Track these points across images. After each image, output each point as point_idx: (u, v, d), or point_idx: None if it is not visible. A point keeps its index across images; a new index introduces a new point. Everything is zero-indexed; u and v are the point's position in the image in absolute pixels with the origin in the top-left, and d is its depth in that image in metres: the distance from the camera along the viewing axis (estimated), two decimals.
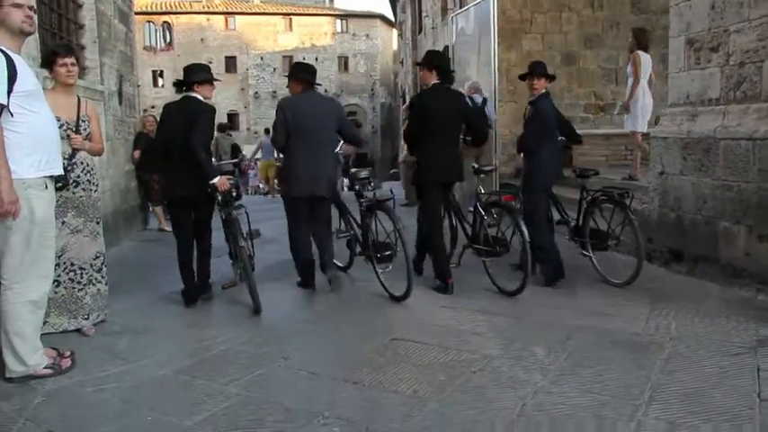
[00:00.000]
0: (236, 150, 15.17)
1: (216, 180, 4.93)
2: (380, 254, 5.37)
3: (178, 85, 5.27)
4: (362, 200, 5.65)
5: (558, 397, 3.23)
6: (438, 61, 5.64)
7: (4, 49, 3.33)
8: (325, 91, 44.18)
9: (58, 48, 4.51)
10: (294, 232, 5.64)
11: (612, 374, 3.49)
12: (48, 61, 4.35)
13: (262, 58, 44.47)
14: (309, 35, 44.91)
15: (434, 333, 4.32)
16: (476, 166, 6.06)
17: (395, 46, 43.22)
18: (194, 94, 5.13)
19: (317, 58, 44.93)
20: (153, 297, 5.53)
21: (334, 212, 6.10)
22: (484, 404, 3.17)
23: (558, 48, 12.18)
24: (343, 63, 45.61)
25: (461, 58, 10.70)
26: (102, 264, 4.65)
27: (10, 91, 3.31)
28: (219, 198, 5.05)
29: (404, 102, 24.90)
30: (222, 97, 44.26)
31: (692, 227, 5.52)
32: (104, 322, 4.64)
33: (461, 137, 6.06)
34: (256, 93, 43.34)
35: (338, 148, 5.84)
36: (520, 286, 5.12)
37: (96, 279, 4.58)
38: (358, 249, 5.92)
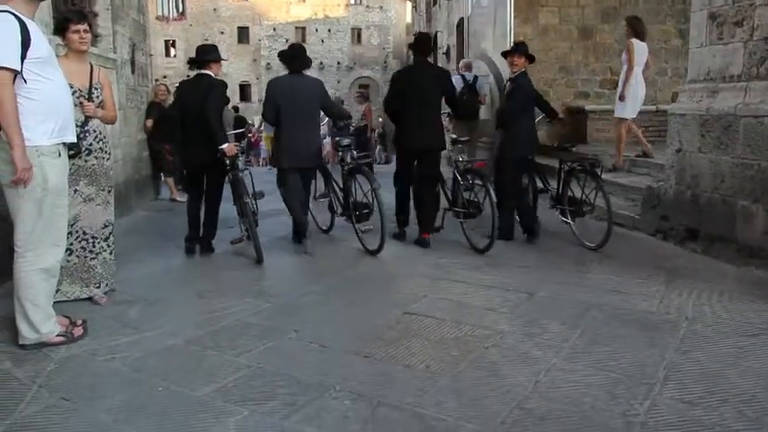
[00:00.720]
0: (239, 122, 15.33)
1: (225, 146, 5.50)
2: (359, 212, 5.96)
3: (192, 63, 5.88)
4: (344, 164, 6.21)
5: (571, 374, 3.21)
6: (419, 43, 6.36)
7: (17, 13, 3.29)
8: (338, 63, 44.07)
9: (72, 14, 4.47)
10: (287, 199, 6.17)
11: (627, 353, 3.46)
12: (60, 28, 4.30)
13: (274, 29, 44.17)
14: (323, 6, 44.52)
15: (447, 308, 4.29)
16: (454, 136, 6.74)
17: (408, 18, 42.87)
18: (207, 71, 5.76)
19: (329, 30, 44.69)
20: (164, 267, 5.53)
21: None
22: (497, 380, 3.16)
23: (574, 21, 12.00)
24: (356, 35, 45.28)
25: (476, 31, 10.58)
26: (110, 233, 4.64)
27: (23, 57, 3.28)
28: (228, 162, 5.60)
29: None
30: (234, 68, 44.11)
31: (709, 205, 5.45)
32: (114, 291, 4.65)
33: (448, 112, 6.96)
34: (268, 64, 43.03)
35: (323, 123, 6.49)
36: (488, 244, 5.70)
37: (102, 248, 4.57)
38: (339, 210, 6.45)
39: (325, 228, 6.86)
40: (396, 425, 2.75)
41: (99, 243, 4.53)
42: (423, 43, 6.39)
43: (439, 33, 18.39)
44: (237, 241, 5.94)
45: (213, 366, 3.37)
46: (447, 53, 16.38)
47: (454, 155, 6.46)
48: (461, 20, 13.44)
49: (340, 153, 6.34)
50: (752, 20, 5.08)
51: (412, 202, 6.42)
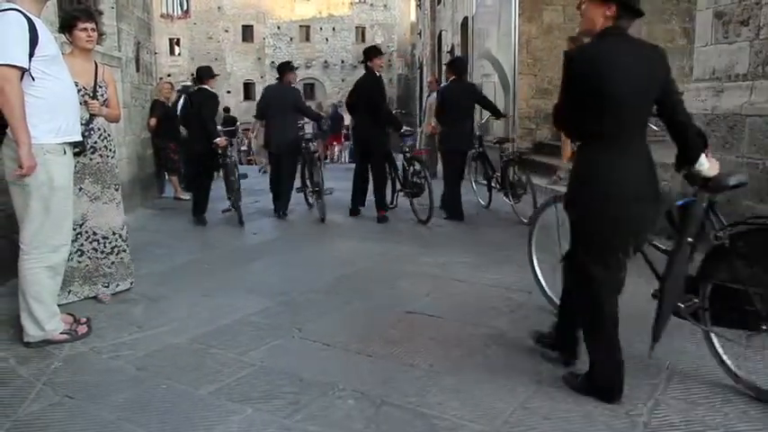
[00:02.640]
0: (229, 122, 16.45)
1: (217, 140, 7.42)
2: (314, 189, 8.02)
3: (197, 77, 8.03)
4: (306, 152, 8.14)
5: None
6: (364, 56, 7.94)
7: (25, 12, 3.30)
8: (342, 61, 44.06)
9: (79, 12, 4.48)
10: (272, 176, 8.35)
11: (630, 352, 3.44)
12: (67, 25, 4.30)
13: (279, 28, 44.19)
14: (327, 4, 44.51)
15: (449, 306, 4.29)
16: (401, 131, 8.11)
17: (413, 17, 42.79)
18: (205, 86, 7.76)
19: (334, 29, 44.70)
20: (168, 265, 5.55)
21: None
22: (500, 379, 3.15)
23: (579, 20, 11.94)
24: (361, 33, 45.26)
25: (481, 30, 10.58)
26: (127, 232, 4.67)
27: (31, 55, 3.29)
28: (220, 151, 7.49)
29: (421, 73, 24.75)
30: (238, 67, 44.15)
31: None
32: (129, 290, 4.66)
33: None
34: (273, 62, 42.99)
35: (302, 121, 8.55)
36: (428, 217, 7.23)
37: (122, 248, 4.61)
38: (310, 188, 8.37)
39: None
40: (399, 424, 2.75)
41: (112, 243, 4.55)
42: (365, 56, 7.89)
43: (443, 32, 18.36)
44: (226, 210, 7.81)
45: (217, 365, 3.38)
46: (451, 52, 16.35)
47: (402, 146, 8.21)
48: (466, 19, 13.43)
49: (303, 144, 8.14)
50: (758, 19, 5.06)
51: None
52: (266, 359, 3.45)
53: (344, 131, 21.26)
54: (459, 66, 8.22)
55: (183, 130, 9.05)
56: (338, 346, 3.64)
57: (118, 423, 2.77)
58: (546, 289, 4.20)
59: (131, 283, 4.69)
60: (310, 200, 8.57)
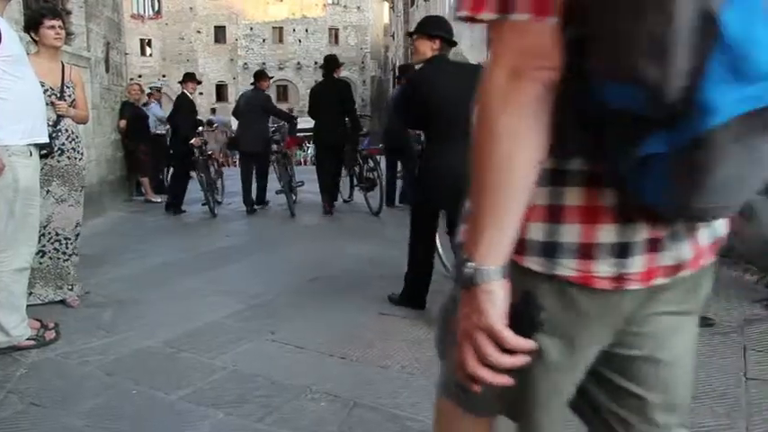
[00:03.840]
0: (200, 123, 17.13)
1: (193, 140, 8.39)
2: (286, 184, 8.62)
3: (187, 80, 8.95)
4: (275, 152, 9.05)
5: None
6: (326, 63, 8.54)
7: None
8: (315, 63, 44.02)
9: (46, 10, 4.41)
10: (243, 175, 8.86)
11: None
12: (33, 24, 4.22)
13: (251, 29, 43.98)
14: (300, 6, 44.40)
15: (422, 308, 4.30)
16: (360, 132, 9.12)
17: (386, 19, 42.95)
18: (184, 90, 8.72)
19: (307, 30, 44.62)
20: (139, 268, 5.48)
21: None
22: None
23: None
24: (334, 35, 45.24)
25: (455, 32, 10.60)
26: (77, 234, 4.55)
27: None
28: (195, 149, 8.39)
29: (394, 75, 24.84)
30: (211, 68, 43.82)
31: None
32: (89, 293, 4.58)
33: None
34: (245, 64, 42.84)
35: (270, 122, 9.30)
36: (378, 208, 8.14)
37: (76, 249, 4.52)
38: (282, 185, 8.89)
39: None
40: (372, 426, 2.74)
41: (72, 243, 4.47)
42: (328, 63, 8.51)
43: None
44: (204, 203, 8.43)
45: (188, 369, 3.34)
46: None
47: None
48: None
49: (274, 146, 9.06)
50: None
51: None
52: (238, 362, 3.42)
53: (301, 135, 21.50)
54: (399, 71, 9.37)
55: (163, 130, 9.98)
56: (311, 348, 3.63)
57: (86, 430, 2.72)
58: (443, 258, 4.83)
59: (82, 287, 4.59)
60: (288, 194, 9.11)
